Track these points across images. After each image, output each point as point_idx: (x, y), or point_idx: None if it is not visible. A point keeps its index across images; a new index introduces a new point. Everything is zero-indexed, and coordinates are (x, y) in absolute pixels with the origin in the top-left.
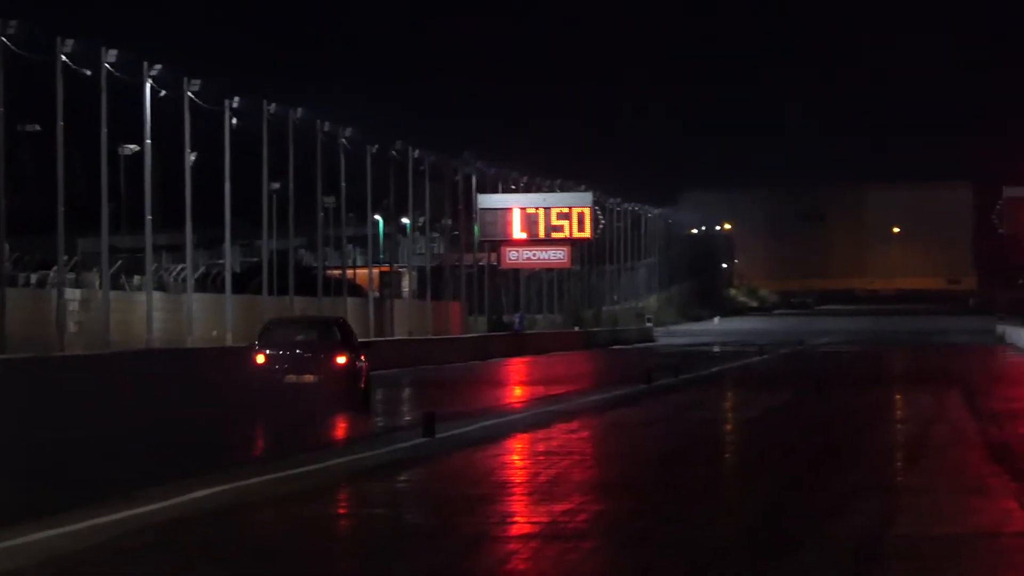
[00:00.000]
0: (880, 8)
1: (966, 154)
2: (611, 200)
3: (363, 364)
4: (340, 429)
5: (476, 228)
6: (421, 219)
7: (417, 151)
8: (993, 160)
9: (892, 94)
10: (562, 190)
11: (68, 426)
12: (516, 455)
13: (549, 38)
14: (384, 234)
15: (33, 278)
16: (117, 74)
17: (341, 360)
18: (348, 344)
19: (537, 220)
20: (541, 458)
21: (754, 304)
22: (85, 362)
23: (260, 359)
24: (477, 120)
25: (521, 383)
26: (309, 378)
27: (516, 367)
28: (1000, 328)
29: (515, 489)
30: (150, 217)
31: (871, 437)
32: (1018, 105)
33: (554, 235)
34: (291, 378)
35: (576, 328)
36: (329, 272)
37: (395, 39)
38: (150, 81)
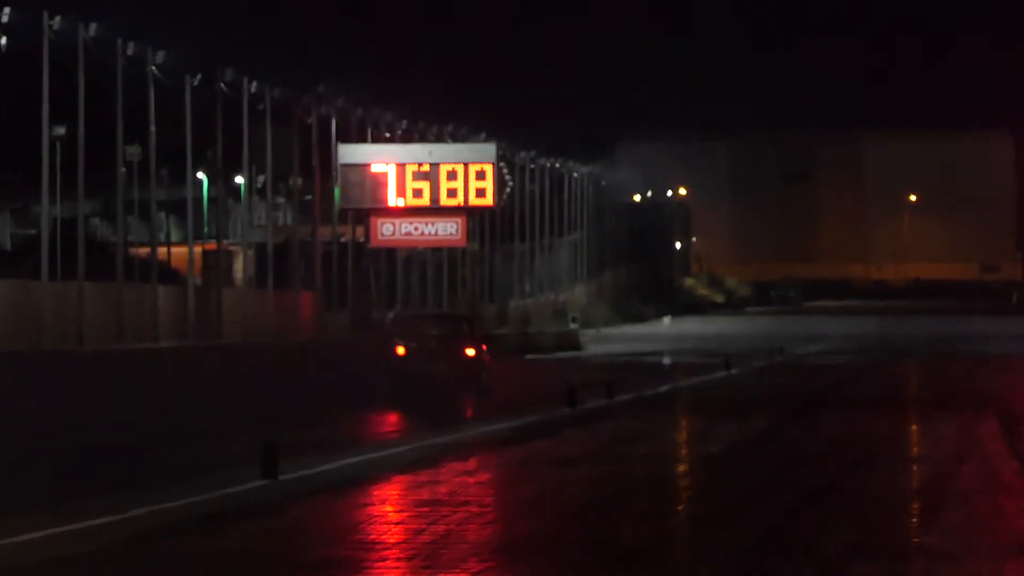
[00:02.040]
0: None
1: (1004, 94)
2: (522, 154)
3: (486, 356)
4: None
5: (336, 191)
6: (260, 178)
7: (255, 84)
8: None
9: (901, 11)
10: (455, 139)
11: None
12: (390, 505)
13: None
14: (209, 198)
15: None
16: None
17: (470, 352)
18: (474, 338)
19: (420, 181)
20: (425, 509)
21: (719, 299)
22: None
23: (400, 351)
24: (339, 47)
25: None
26: (442, 367)
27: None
28: None
29: (387, 552)
30: None
31: (874, 481)
32: None
33: (444, 202)
34: (426, 368)
35: None
36: (133, 250)
37: None
38: None
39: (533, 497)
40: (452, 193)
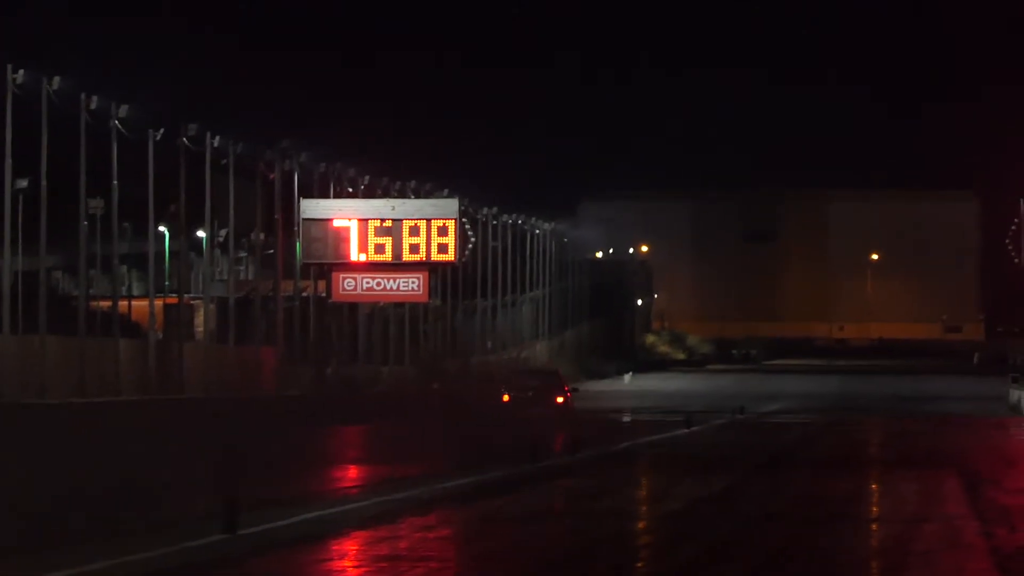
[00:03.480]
0: None
1: (970, 158)
2: (484, 210)
3: (570, 403)
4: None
5: (298, 246)
6: (222, 232)
7: (218, 138)
8: (1006, 165)
9: (872, 74)
10: (417, 195)
11: None
12: (348, 561)
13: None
14: (171, 252)
15: None
16: None
17: (560, 400)
18: (562, 389)
19: (383, 236)
20: (383, 565)
21: (680, 356)
22: None
23: (505, 398)
24: (303, 104)
25: (358, 460)
26: (538, 411)
27: (351, 437)
28: (1015, 394)
29: None
30: None
31: (837, 540)
32: None
33: (406, 257)
34: (526, 412)
35: (435, 386)
36: (95, 303)
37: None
38: None
39: (493, 553)
40: (414, 249)
